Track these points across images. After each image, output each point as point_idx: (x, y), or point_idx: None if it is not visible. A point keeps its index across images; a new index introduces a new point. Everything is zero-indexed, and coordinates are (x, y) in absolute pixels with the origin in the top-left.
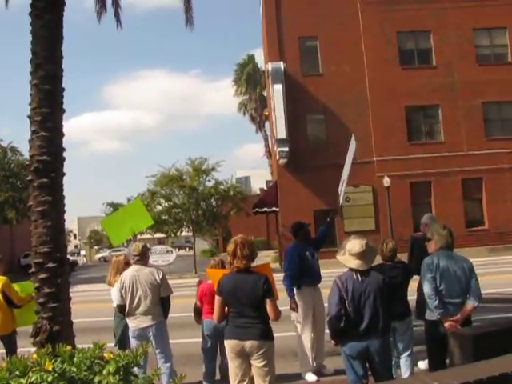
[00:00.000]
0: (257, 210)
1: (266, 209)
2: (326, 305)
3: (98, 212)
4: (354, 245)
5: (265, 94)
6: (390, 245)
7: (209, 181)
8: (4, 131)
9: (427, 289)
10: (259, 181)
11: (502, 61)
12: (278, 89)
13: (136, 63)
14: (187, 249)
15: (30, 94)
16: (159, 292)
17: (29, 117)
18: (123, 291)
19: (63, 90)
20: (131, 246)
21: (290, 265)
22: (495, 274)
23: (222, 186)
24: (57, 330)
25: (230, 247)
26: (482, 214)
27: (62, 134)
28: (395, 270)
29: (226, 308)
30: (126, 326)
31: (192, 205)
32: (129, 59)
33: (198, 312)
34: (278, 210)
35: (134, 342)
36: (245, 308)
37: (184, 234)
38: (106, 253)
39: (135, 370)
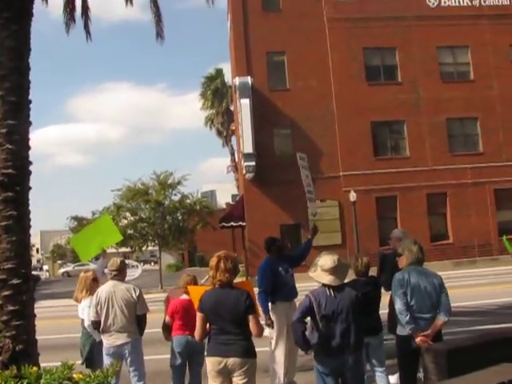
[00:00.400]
0: (223, 224)
1: (232, 223)
2: None
3: (62, 226)
4: (326, 260)
5: (232, 108)
6: (365, 260)
7: (175, 195)
8: None
9: (398, 304)
10: (225, 195)
11: (464, 78)
12: (245, 103)
13: (101, 76)
14: (152, 263)
15: None
16: (135, 309)
17: None
18: (99, 307)
19: (30, 102)
20: (103, 262)
21: (262, 281)
22: (460, 287)
23: (188, 200)
24: (20, 348)
25: (214, 261)
26: (446, 228)
27: (28, 147)
28: (369, 285)
29: (208, 325)
30: (93, 344)
31: (158, 219)
32: (94, 72)
33: (167, 328)
34: (244, 224)
35: (107, 360)
36: (227, 324)
37: (149, 248)
38: (69, 267)
39: None
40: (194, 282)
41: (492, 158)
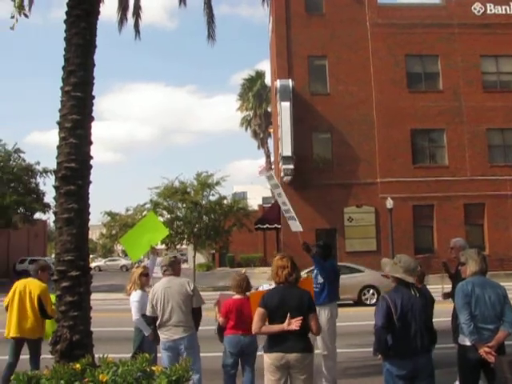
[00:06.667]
0: (259, 226)
1: (267, 225)
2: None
3: (95, 221)
4: (409, 262)
5: (270, 110)
6: (422, 268)
7: (212, 195)
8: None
9: (462, 314)
10: (255, 197)
11: (507, 88)
12: (285, 106)
13: (131, 76)
14: (182, 261)
15: (61, 101)
16: (191, 303)
17: (58, 123)
18: (154, 302)
19: (93, 97)
20: (153, 258)
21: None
22: None
23: (225, 201)
24: (77, 339)
25: (287, 261)
26: (483, 239)
27: (90, 142)
28: (427, 292)
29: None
30: (143, 338)
31: (194, 218)
32: (124, 72)
33: (221, 330)
34: (280, 226)
35: (165, 354)
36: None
37: (178, 246)
38: (101, 262)
39: None
40: (247, 282)
41: None
